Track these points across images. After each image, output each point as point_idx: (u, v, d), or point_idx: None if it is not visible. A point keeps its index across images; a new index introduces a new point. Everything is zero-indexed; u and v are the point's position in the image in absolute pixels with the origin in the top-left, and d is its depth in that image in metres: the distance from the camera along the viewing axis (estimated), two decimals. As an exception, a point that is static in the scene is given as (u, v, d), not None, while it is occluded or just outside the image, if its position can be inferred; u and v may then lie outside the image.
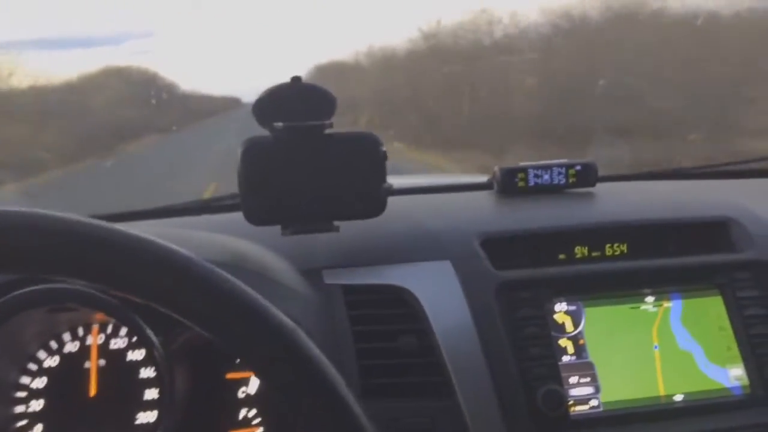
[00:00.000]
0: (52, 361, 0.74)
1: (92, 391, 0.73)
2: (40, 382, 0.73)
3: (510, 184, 0.98)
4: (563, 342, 0.75)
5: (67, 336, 0.75)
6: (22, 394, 0.73)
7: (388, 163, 0.77)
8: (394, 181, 0.79)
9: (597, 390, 0.74)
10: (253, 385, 0.75)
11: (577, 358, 0.75)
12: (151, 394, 0.73)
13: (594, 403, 0.73)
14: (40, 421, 0.72)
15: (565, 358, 0.75)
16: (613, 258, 0.85)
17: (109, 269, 0.42)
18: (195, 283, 0.42)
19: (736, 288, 0.79)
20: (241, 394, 0.75)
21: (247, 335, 0.43)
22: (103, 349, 0.74)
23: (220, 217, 0.97)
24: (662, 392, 0.74)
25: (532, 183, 0.97)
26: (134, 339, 0.74)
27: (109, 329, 0.75)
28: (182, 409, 0.70)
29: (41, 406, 0.72)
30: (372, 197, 0.77)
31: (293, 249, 0.80)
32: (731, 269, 0.81)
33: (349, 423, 0.42)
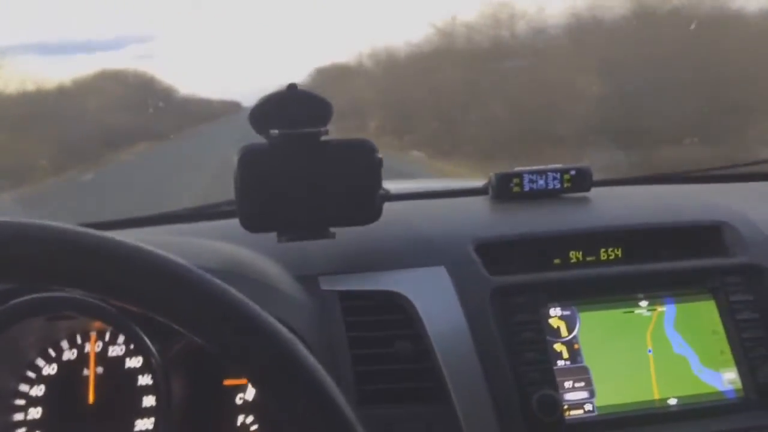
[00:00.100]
0: (50, 369, 0.74)
1: (90, 399, 0.73)
2: (38, 390, 0.74)
3: (505, 189, 0.98)
4: (558, 347, 0.76)
5: (65, 344, 0.75)
6: (20, 401, 0.73)
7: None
8: (389, 185, 0.80)
9: (592, 394, 0.74)
10: (251, 391, 0.76)
11: (572, 362, 0.75)
12: (148, 401, 0.73)
13: (589, 407, 0.74)
14: (38, 429, 0.72)
15: (560, 363, 0.75)
16: (608, 263, 0.85)
17: (105, 278, 0.42)
18: (189, 292, 0.43)
19: (729, 292, 0.80)
20: (238, 401, 0.75)
21: (242, 343, 0.43)
22: (101, 357, 0.75)
23: (216, 224, 0.98)
24: (657, 396, 0.75)
25: (527, 188, 0.98)
26: (132, 347, 0.74)
27: (107, 337, 0.75)
28: (180, 415, 0.71)
29: (40, 414, 0.73)
30: (368, 204, 0.78)
31: (289, 255, 0.81)
32: (724, 273, 0.81)
33: (344, 431, 0.42)
